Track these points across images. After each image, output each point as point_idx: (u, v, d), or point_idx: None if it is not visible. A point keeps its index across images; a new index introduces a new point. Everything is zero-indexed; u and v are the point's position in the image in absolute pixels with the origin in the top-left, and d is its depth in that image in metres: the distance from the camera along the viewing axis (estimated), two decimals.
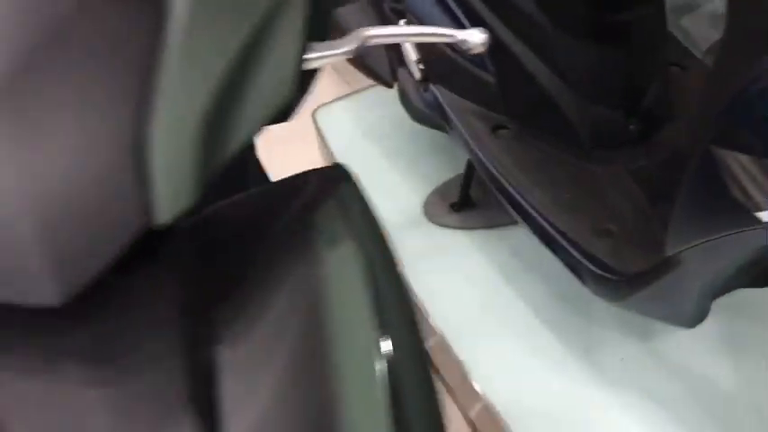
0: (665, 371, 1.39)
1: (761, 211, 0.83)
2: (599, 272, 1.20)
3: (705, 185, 0.89)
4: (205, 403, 0.47)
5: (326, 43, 0.60)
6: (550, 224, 1.26)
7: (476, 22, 1.37)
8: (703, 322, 1.40)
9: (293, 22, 0.49)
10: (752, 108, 0.78)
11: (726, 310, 1.40)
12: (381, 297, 0.55)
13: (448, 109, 1.42)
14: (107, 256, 0.41)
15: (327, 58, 0.59)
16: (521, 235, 1.46)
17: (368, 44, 0.63)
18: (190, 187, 0.43)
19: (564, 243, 1.24)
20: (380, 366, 0.52)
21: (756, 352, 1.39)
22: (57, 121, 0.40)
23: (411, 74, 1.47)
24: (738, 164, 0.82)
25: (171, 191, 0.43)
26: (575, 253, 1.22)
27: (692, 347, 1.42)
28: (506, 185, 1.31)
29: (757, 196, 0.82)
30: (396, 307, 0.57)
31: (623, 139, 1.35)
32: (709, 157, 0.86)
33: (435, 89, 1.44)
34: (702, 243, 0.96)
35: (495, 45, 1.37)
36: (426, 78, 1.46)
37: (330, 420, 0.49)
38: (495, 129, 1.38)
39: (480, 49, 0.66)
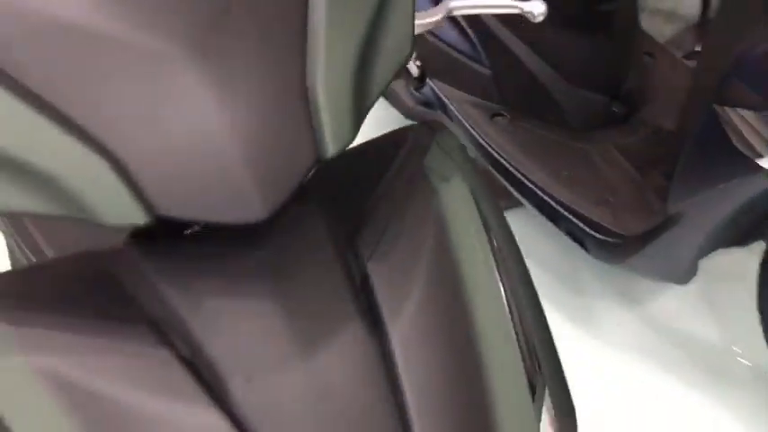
0: (656, 331, 1.52)
1: (761, 158, 0.96)
2: (601, 237, 1.32)
3: (709, 140, 1.02)
4: (366, 307, 0.56)
5: (421, 13, 0.70)
6: (553, 198, 1.38)
7: (473, 22, 1.50)
8: (681, 287, 1.55)
9: None
10: (753, 68, 0.92)
11: (703, 275, 1.55)
12: (488, 223, 0.65)
13: (447, 101, 1.53)
14: (294, 181, 0.49)
15: (426, 24, 0.69)
16: (513, 220, 1.58)
17: (452, 14, 0.73)
18: (349, 126, 0.52)
19: (567, 214, 1.36)
20: (499, 285, 0.61)
21: (733, 309, 1.53)
22: (247, 73, 0.49)
23: (408, 72, 1.58)
24: (740, 118, 0.95)
25: (335, 130, 0.51)
26: (578, 222, 1.35)
27: (678, 309, 1.56)
28: (509, 167, 1.43)
29: (758, 145, 0.95)
30: (499, 230, 0.67)
31: (609, 120, 1.49)
32: (712, 114, 0.99)
33: (433, 84, 1.55)
34: (703, 195, 1.10)
35: (490, 40, 1.50)
36: (423, 75, 1.57)
37: (466, 327, 0.58)
38: (494, 116, 1.50)
39: (541, 18, 0.77)
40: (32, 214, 0.47)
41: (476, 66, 1.52)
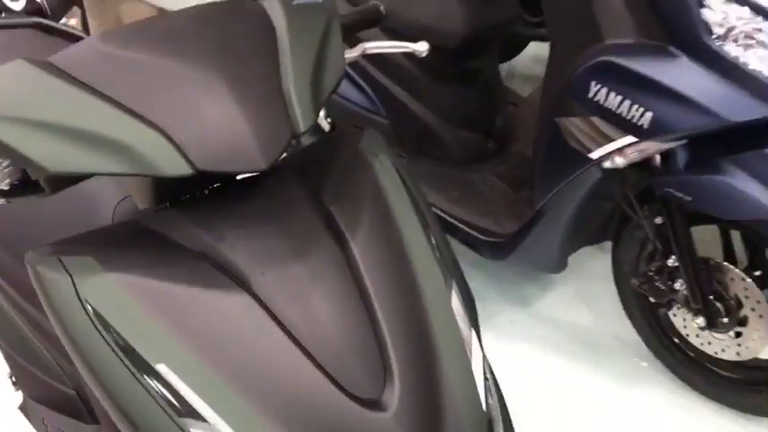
0: (542, 324, 1.85)
1: (590, 152, 1.33)
2: (488, 239, 1.66)
3: (554, 146, 1.38)
4: (334, 229, 0.84)
5: (347, 50, 1.02)
6: (448, 215, 1.71)
7: (371, 83, 1.85)
8: (560, 287, 1.91)
9: (337, 37, 0.91)
10: (576, 86, 1.29)
11: (576, 276, 1.91)
12: (403, 178, 0.95)
13: None
14: (281, 145, 0.78)
15: (350, 57, 1.01)
16: None
17: (366, 53, 1.06)
18: (310, 115, 0.82)
19: (460, 225, 1.69)
20: (415, 212, 0.91)
21: (603, 300, 1.89)
22: (248, 81, 0.79)
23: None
24: (573, 124, 1.32)
25: (302, 116, 0.81)
26: (469, 230, 1.68)
27: (559, 305, 1.90)
28: None
29: (587, 143, 1.32)
30: (410, 182, 0.97)
31: (485, 154, 1.86)
32: (553, 124, 1.36)
33: None
34: (556, 192, 1.46)
35: (386, 96, 1.85)
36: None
37: (399, 239, 0.86)
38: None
39: (425, 54, 1.10)
40: (120, 173, 0.74)
41: (376, 117, 1.87)
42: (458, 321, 0.85)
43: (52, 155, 0.74)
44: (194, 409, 0.73)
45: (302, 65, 0.84)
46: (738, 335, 1.47)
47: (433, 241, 0.91)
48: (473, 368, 0.83)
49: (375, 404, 0.75)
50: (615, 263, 1.63)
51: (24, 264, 0.81)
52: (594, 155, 1.33)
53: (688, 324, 1.54)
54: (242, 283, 0.77)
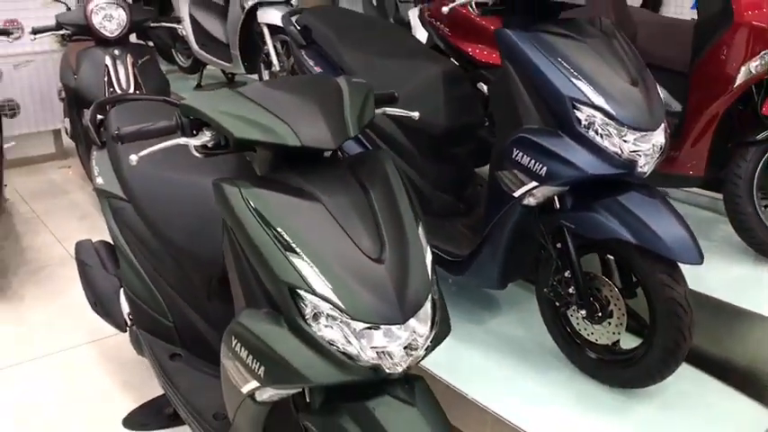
0: (493, 336, 2.63)
1: (514, 192, 2.19)
2: (451, 259, 2.48)
3: (494, 192, 2.25)
4: (363, 187, 1.68)
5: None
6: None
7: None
8: (504, 310, 2.70)
9: (371, 97, 1.77)
10: (508, 152, 2.18)
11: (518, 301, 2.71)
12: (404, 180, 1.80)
13: None
14: (343, 138, 1.64)
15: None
16: None
17: (384, 113, 1.95)
18: (356, 129, 1.68)
19: (432, 249, 2.52)
20: (409, 193, 1.75)
21: (532, 314, 2.66)
22: (321, 113, 1.65)
23: None
24: (504, 175, 2.19)
25: (352, 128, 1.67)
26: (438, 252, 2.50)
27: (507, 324, 2.68)
28: None
29: (512, 186, 2.18)
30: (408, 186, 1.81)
31: (457, 212, 2.72)
32: (494, 176, 2.23)
33: None
34: (496, 220, 2.30)
35: None
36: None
37: (399, 195, 1.72)
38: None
39: (417, 118, 1.97)
40: (265, 141, 1.58)
41: None
42: (420, 237, 1.65)
43: (237, 128, 1.58)
44: (300, 255, 1.50)
45: (354, 107, 1.70)
46: (607, 325, 2.26)
47: (409, 198, 1.73)
48: (425, 258, 1.63)
49: (378, 260, 1.54)
50: (537, 280, 2.43)
51: (154, 232, 1.65)
52: (516, 194, 2.19)
53: (578, 319, 2.32)
54: (318, 200, 1.59)
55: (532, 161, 2.12)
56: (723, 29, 2.46)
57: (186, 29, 5.04)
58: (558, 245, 2.28)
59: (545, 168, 2.10)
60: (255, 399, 1.62)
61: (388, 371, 1.50)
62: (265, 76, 4.90)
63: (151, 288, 2.25)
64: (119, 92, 3.65)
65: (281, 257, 1.50)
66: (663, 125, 2.12)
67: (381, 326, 1.48)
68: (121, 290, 2.41)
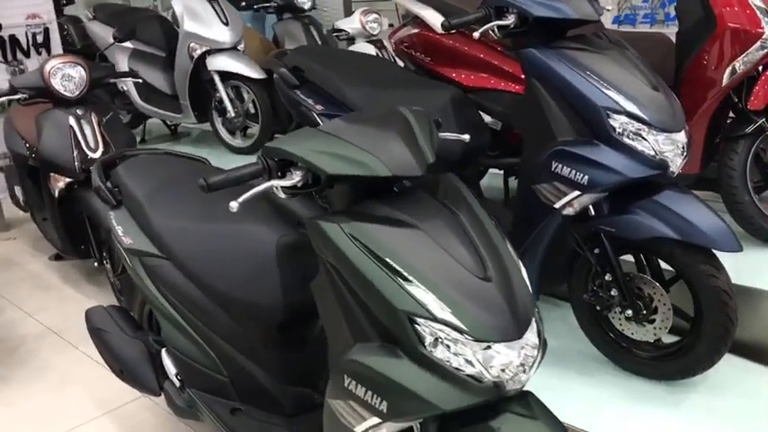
0: None
1: (555, 203, 2.25)
2: None
3: (530, 203, 2.30)
4: (448, 208, 1.70)
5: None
6: None
7: None
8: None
9: (433, 125, 1.80)
10: (545, 166, 2.24)
11: None
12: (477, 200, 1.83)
13: None
14: (425, 166, 1.65)
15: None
16: None
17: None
18: (431, 157, 1.70)
19: None
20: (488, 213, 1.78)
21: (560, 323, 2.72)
22: (406, 137, 1.68)
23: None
24: (543, 188, 2.25)
25: (429, 155, 1.69)
26: None
27: None
28: None
29: (552, 198, 2.25)
30: (483, 203, 1.85)
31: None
32: (530, 190, 2.29)
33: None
34: (533, 236, 2.35)
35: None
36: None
37: (482, 218, 1.74)
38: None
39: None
40: (356, 174, 1.58)
41: None
42: (511, 252, 1.68)
43: (329, 165, 1.57)
44: (414, 282, 1.50)
45: (425, 134, 1.72)
46: (652, 321, 2.34)
47: (489, 216, 1.75)
48: (522, 273, 1.65)
49: (486, 278, 1.56)
50: (570, 288, 2.50)
51: (201, 286, 1.64)
52: (557, 205, 2.26)
53: (621, 320, 2.40)
54: (415, 227, 1.59)
55: (573, 171, 2.20)
56: (707, 34, 2.65)
57: (128, 83, 4.91)
58: (596, 250, 2.35)
59: (586, 177, 2.18)
60: None
61: (508, 388, 1.51)
62: (218, 123, 4.82)
63: (201, 344, 2.16)
64: (88, 153, 3.51)
65: (395, 287, 1.50)
66: (685, 126, 2.25)
67: (501, 343, 1.49)
68: (163, 352, 2.31)
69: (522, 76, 2.44)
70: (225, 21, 4.61)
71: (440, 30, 2.88)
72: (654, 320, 2.34)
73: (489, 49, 3.03)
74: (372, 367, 1.53)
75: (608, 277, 2.35)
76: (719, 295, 2.18)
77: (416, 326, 1.47)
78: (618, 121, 2.17)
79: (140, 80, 3.92)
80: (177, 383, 2.25)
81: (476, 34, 2.23)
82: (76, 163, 3.48)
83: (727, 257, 2.21)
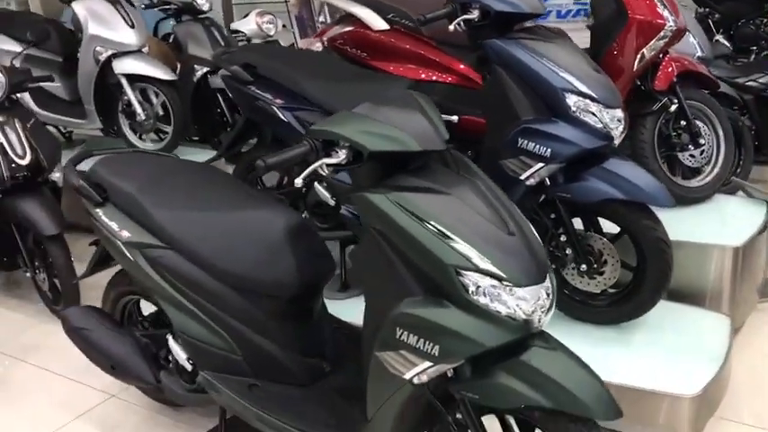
0: None
1: (520, 176, 2.55)
2: None
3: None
4: (464, 177, 1.94)
5: None
6: None
7: None
8: None
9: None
10: (512, 142, 2.53)
11: None
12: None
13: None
14: (444, 141, 1.88)
15: None
16: None
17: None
18: (446, 135, 1.93)
19: None
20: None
21: None
22: (428, 114, 1.90)
23: None
24: (510, 162, 2.54)
25: (444, 131, 1.92)
26: None
27: None
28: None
29: (518, 171, 2.54)
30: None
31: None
32: (498, 165, 2.57)
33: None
34: None
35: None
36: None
37: (492, 186, 1.99)
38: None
39: None
40: (393, 150, 1.78)
41: None
42: (519, 212, 1.93)
43: (370, 143, 1.76)
44: (456, 240, 1.72)
45: (435, 113, 1.93)
46: (602, 273, 2.70)
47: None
48: (532, 229, 1.91)
49: (511, 233, 1.81)
50: None
51: (210, 269, 1.95)
52: (523, 176, 2.56)
53: (575, 276, 2.73)
54: (448, 194, 1.81)
55: (537, 145, 2.50)
56: (619, 26, 3.07)
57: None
58: (552, 215, 2.67)
59: (549, 150, 2.49)
60: (414, 382, 1.79)
61: (535, 325, 1.77)
62: (125, 127, 4.74)
63: (213, 326, 2.26)
64: (15, 159, 3.40)
65: (442, 245, 1.72)
66: (621, 103, 2.63)
67: (530, 287, 1.75)
68: (170, 338, 2.37)
69: (455, 68, 2.72)
70: (131, 23, 4.55)
71: (378, 27, 3.12)
72: (603, 272, 2.69)
73: (424, 44, 3.29)
74: (424, 317, 1.74)
75: (563, 238, 2.67)
76: (659, 244, 2.56)
77: (461, 277, 1.69)
78: (572, 100, 2.50)
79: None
80: (189, 368, 2.32)
81: (451, 27, 2.49)
82: (4, 172, 3.37)
83: None
